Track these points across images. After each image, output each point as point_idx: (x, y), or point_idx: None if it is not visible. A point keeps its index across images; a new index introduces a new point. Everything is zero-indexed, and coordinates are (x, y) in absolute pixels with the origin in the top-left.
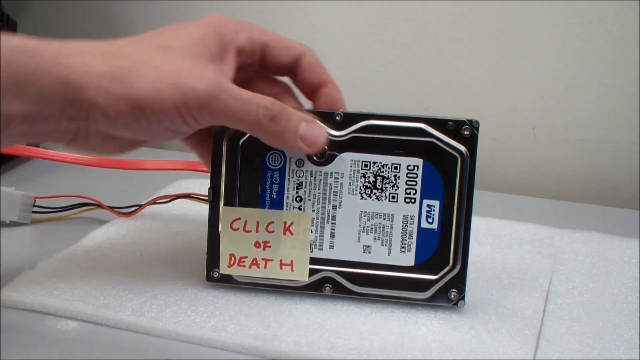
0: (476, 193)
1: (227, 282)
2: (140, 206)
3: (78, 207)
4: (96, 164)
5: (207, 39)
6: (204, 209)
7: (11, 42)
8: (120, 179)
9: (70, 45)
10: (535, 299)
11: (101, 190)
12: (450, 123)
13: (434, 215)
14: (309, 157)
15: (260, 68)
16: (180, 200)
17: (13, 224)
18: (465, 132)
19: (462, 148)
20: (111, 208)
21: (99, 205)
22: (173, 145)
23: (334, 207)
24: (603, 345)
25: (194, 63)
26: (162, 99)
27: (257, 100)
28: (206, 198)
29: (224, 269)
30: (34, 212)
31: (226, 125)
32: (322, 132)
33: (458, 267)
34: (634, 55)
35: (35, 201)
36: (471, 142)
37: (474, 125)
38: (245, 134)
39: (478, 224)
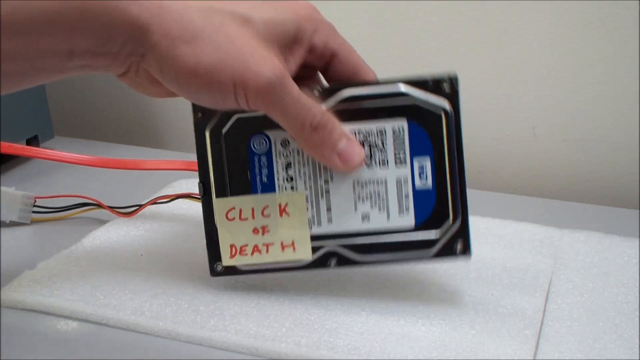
0: (476, 193)
1: (232, 273)
2: (140, 206)
3: (78, 207)
4: (96, 164)
5: (288, 26)
6: None
7: None
8: (120, 179)
9: None
10: (535, 299)
11: (101, 190)
12: (429, 81)
13: (426, 173)
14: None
15: (321, 73)
16: (180, 200)
17: (13, 224)
18: (446, 89)
19: (445, 104)
20: (111, 208)
21: (99, 205)
22: (173, 145)
23: (326, 182)
24: (603, 345)
25: (267, 47)
26: (223, 72)
27: (310, 106)
28: None
29: (226, 260)
30: (34, 212)
31: (269, 115)
32: (360, 153)
33: (459, 221)
34: (634, 55)
35: (35, 201)
36: (452, 98)
37: (453, 81)
38: (227, 123)
39: (478, 224)
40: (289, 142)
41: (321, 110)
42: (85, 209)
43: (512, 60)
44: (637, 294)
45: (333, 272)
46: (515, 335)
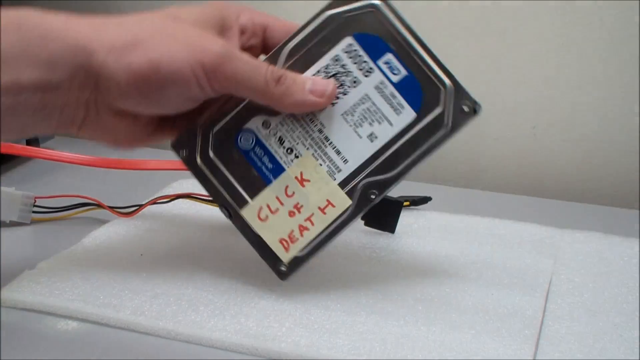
0: (476, 193)
1: (297, 265)
2: (140, 206)
3: (78, 207)
4: (96, 164)
5: (212, 16)
6: (204, 208)
7: (19, 12)
8: (120, 179)
9: (78, 17)
10: (535, 299)
11: (101, 190)
12: None
13: (395, 66)
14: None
15: (263, 51)
16: (180, 200)
17: (13, 224)
18: None
19: (372, 2)
20: (111, 208)
21: (99, 205)
22: None
23: (320, 131)
24: (603, 345)
25: (205, 32)
26: (178, 59)
27: (265, 64)
28: (207, 198)
29: (285, 256)
30: (34, 212)
31: (234, 91)
32: (329, 82)
33: (450, 85)
34: (634, 55)
35: (35, 201)
36: None
37: None
38: (209, 142)
39: (478, 223)
40: (269, 122)
41: (275, 67)
42: (85, 209)
43: (512, 60)
44: (637, 294)
45: (333, 272)
46: (515, 335)
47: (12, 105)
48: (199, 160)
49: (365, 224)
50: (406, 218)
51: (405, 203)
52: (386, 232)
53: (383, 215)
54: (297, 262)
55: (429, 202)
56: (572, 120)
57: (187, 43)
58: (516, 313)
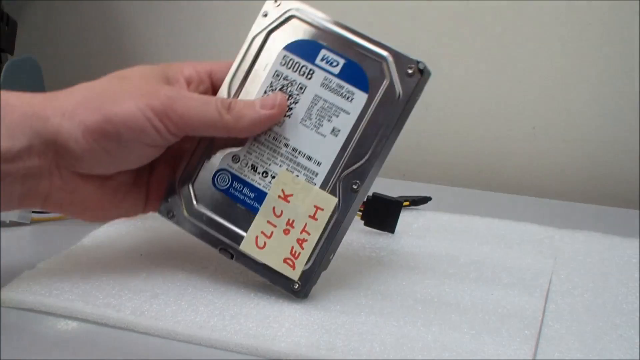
0: (476, 193)
1: (311, 277)
2: None
3: None
4: None
5: (157, 72)
6: None
7: None
8: None
9: (31, 94)
10: (535, 299)
11: None
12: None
13: (331, 57)
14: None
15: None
16: None
17: (13, 224)
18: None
19: (288, 9)
20: None
21: None
22: None
23: (286, 145)
24: (603, 345)
25: (152, 83)
26: (128, 107)
27: (213, 98)
28: None
29: (295, 275)
30: (34, 212)
31: (191, 130)
32: (276, 94)
33: (388, 55)
34: (634, 56)
35: None
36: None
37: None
38: (191, 195)
39: (478, 224)
40: (238, 156)
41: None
42: None
43: (512, 60)
44: (637, 294)
45: (333, 272)
46: (515, 335)
47: None
48: (187, 213)
49: (365, 224)
50: (406, 218)
51: (405, 203)
52: (386, 232)
53: (383, 215)
54: (308, 276)
55: (429, 202)
56: (572, 120)
57: (136, 93)
58: (516, 313)
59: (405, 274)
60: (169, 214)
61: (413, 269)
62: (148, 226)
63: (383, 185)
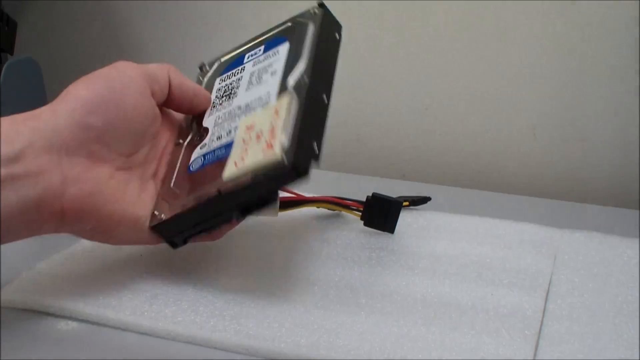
0: (476, 193)
1: (297, 150)
2: None
3: None
4: None
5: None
6: None
7: None
8: None
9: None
10: (535, 299)
11: None
12: None
13: (254, 52)
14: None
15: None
16: None
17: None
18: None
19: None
20: None
21: None
22: None
23: (239, 108)
24: (603, 345)
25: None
26: (127, 73)
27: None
28: None
29: (276, 152)
30: None
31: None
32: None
33: (289, 22)
34: (634, 55)
35: None
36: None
37: None
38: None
39: (478, 224)
40: (205, 144)
41: None
42: None
43: (512, 60)
44: (637, 294)
45: (333, 272)
46: (515, 335)
47: None
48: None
49: (365, 224)
50: (406, 218)
51: (404, 203)
52: (386, 232)
53: (382, 215)
54: (292, 150)
55: (429, 202)
56: (572, 120)
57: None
58: (516, 313)
59: (405, 274)
60: (178, 239)
61: (413, 269)
62: None
63: (383, 185)
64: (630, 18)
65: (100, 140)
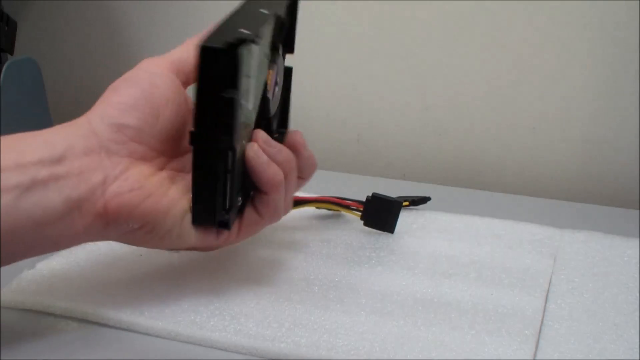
0: (476, 193)
1: None
2: None
3: None
4: None
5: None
6: None
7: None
8: None
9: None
10: (535, 299)
11: None
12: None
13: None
14: None
15: None
16: None
17: None
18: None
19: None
20: None
21: None
22: None
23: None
24: (603, 345)
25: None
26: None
27: None
28: None
29: None
30: None
31: None
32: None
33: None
34: (634, 55)
35: None
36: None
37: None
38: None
39: (478, 224)
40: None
41: None
42: None
43: (512, 60)
44: (637, 294)
45: (333, 272)
46: (515, 335)
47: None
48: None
49: (365, 224)
50: (406, 218)
51: (404, 203)
52: (386, 232)
53: (382, 215)
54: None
55: (429, 202)
56: (572, 120)
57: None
58: (516, 313)
59: (405, 274)
60: (224, 220)
61: (413, 269)
62: None
63: (383, 185)
64: (630, 18)
65: (137, 138)
